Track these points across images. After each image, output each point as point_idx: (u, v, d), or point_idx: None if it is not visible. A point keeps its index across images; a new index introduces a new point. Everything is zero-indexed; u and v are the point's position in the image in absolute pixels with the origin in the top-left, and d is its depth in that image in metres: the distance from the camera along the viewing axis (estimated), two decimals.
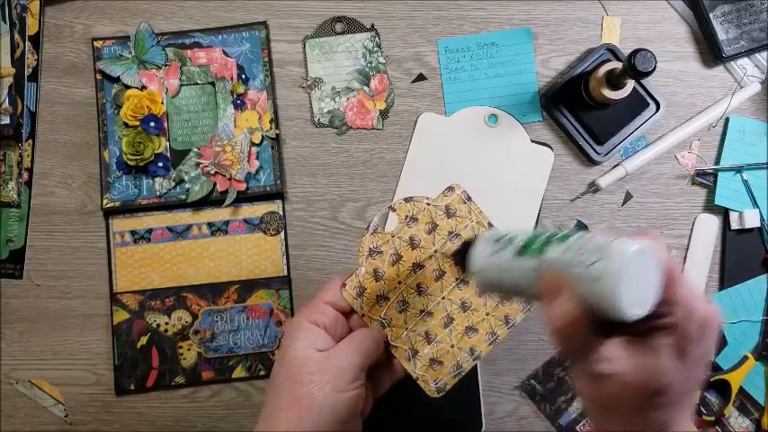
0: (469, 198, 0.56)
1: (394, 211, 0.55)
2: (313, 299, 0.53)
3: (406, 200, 0.55)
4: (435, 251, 0.54)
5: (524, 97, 0.70)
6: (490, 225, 0.55)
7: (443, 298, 0.54)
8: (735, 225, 0.68)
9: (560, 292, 0.36)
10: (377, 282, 0.54)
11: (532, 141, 0.69)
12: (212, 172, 0.67)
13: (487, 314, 0.55)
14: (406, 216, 0.54)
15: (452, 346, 0.54)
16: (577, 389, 0.40)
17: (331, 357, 0.47)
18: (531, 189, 0.69)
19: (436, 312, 0.54)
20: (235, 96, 0.68)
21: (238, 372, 0.67)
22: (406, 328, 0.54)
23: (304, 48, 0.70)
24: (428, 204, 0.55)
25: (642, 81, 0.68)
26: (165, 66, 0.69)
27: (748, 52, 0.69)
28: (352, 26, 0.71)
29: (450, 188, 0.56)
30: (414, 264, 0.54)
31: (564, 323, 0.35)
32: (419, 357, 0.54)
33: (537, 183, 0.69)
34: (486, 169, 0.69)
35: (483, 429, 0.65)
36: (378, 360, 0.52)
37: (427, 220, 0.55)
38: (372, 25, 0.71)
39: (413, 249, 0.54)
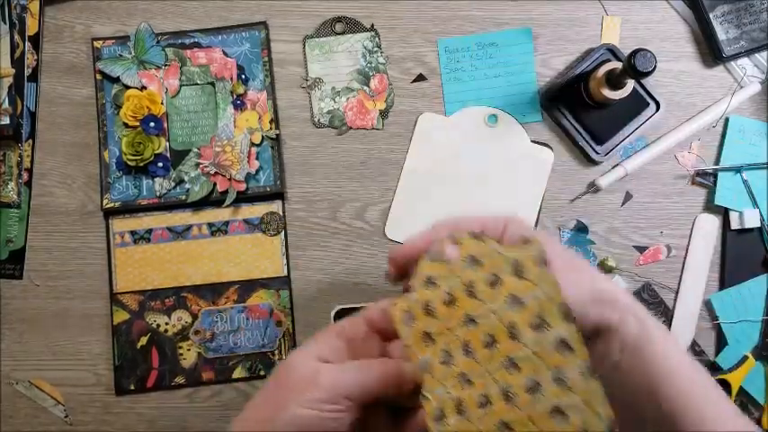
0: (545, 262, 0.42)
1: (458, 244, 0.44)
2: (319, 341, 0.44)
3: (475, 236, 0.44)
4: (493, 312, 0.42)
5: (524, 97, 0.70)
6: (564, 307, 0.40)
7: (488, 373, 0.42)
8: (735, 225, 0.68)
9: None
10: (426, 316, 0.44)
11: (532, 141, 0.69)
12: (212, 172, 0.67)
13: (530, 419, 0.41)
14: (470, 255, 0.44)
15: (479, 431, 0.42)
16: None
17: (320, 371, 0.41)
18: (531, 189, 0.69)
19: (477, 384, 0.42)
20: (235, 96, 0.68)
21: (238, 372, 0.67)
22: (443, 385, 0.43)
23: (304, 48, 0.70)
24: (498, 253, 0.43)
25: (642, 81, 0.68)
26: (165, 66, 0.69)
27: (748, 52, 0.69)
28: (353, 26, 0.71)
29: (528, 241, 0.43)
30: (466, 315, 0.43)
31: None
32: (444, 424, 0.43)
33: (537, 182, 0.69)
34: (486, 169, 0.69)
35: None
36: (397, 401, 0.43)
37: (492, 270, 0.43)
38: (372, 25, 0.71)
39: (469, 297, 0.43)
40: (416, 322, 0.44)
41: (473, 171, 0.69)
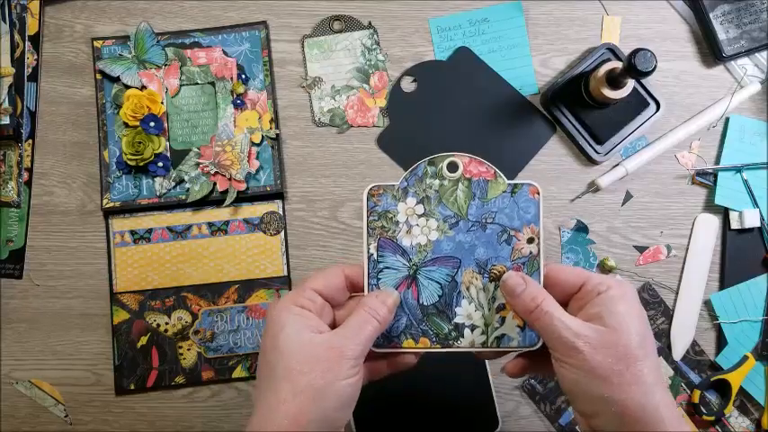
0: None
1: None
2: (299, 284, 0.48)
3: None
4: None
5: (520, 71, 0.70)
6: None
7: None
8: (735, 225, 0.68)
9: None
10: None
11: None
12: (212, 172, 0.67)
13: None
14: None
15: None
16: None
17: (331, 343, 0.44)
18: None
19: None
20: (235, 96, 0.68)
21: (238, 372, 0.67)
22: None
23: (303, 47, 0.70)
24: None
25: (642, 81, 0.68)
26: (165, 65, 0.69)
27: (748, 52, 0.69)
28: (351, 24, 0.71)
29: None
30: None
31: None
32: None
33: None
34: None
35: (499, 428, 0.65)
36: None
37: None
38: (370, 23, 0.71)
39: None
40: None
41: None
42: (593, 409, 0.43)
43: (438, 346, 0.48)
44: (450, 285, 0.48)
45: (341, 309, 0.49)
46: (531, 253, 0.47)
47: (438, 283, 0.49)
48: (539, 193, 0.47)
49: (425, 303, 0.49)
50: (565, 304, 0.46)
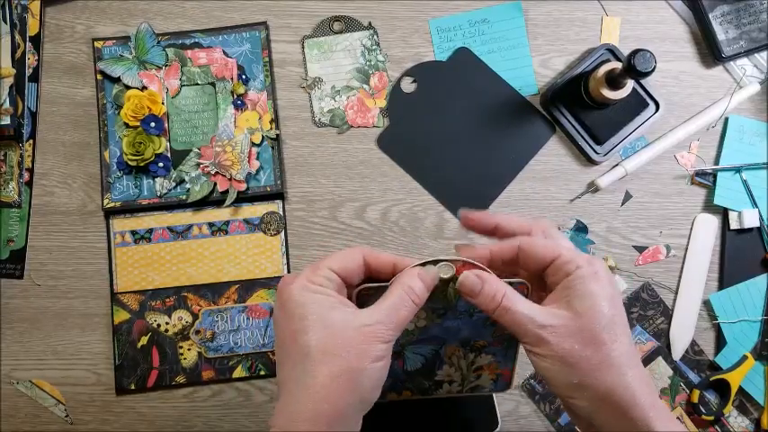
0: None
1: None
2: (314, 263, 0.46)
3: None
4: None
5: (520, 71, 0.70)
6: None
7: None
8: (734, 225, 0.68)
9: None
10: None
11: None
12: (213, 172, 0.67)
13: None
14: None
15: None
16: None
17: (366, 325, 0.42)
18: None
19: None
20: (235, 97, 0.69)
21: (239, 372, 0.67)
22: None
23: (303, 48, 0.71)
24: None
25: (642, 81, 0.68)
26: (166, 66, 0.69)
27: (747, 52, 0.69)
28: (351, 25, 0.71)
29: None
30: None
31: None
32: None
33: None
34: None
35: (499, 427, 0.65)
36: None
37: None
38: (370, 23, 0.71)
39: None
40: None
41: None
42: (569, 393, 0.43)
43: (418, 395, 0.52)
44: (434, 356, 0.50)
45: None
46: None
47: (423, 356, 0.50)
48: (528, 289, 0.46)
49: (410, 370, 0.51)
50: (541, 277, 0.46)
